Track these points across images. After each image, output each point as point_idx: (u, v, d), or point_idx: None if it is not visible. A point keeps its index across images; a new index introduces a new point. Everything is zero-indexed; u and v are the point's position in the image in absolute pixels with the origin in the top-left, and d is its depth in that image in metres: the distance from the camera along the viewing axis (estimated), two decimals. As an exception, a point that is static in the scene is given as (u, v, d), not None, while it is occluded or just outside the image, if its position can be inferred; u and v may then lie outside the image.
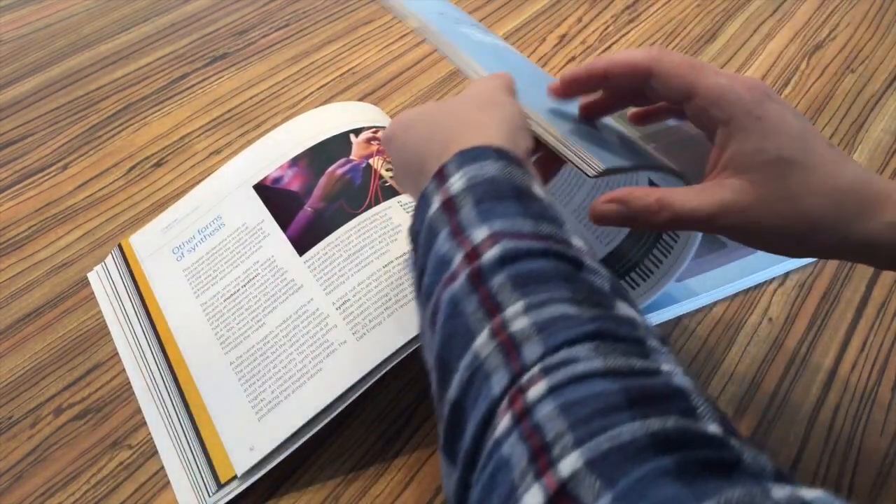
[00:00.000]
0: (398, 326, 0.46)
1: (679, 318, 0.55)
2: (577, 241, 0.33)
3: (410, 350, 0.46)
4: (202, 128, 0.77)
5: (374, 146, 0.57)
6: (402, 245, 0.49)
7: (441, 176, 0.36)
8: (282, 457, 0.46)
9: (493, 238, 0.32)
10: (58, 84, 0.85)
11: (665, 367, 0.27)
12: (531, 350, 0.28)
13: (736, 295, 0.57)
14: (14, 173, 0.72)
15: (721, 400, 0.50)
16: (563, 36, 0.90)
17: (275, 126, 0.76)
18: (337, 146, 0.58)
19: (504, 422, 0.26)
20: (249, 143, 0.74)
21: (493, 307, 0.30)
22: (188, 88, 0.83)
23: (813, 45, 0.85)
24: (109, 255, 0.61)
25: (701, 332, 0.54)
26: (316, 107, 0.79)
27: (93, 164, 0.73)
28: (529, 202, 0.34)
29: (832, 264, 0.59)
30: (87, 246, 0.64)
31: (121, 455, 0.49)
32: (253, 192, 0.58)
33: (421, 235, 0.36)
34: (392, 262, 0.49)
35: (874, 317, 0.55)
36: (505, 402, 0.27)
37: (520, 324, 0.29)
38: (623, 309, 0.30)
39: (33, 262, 0.63)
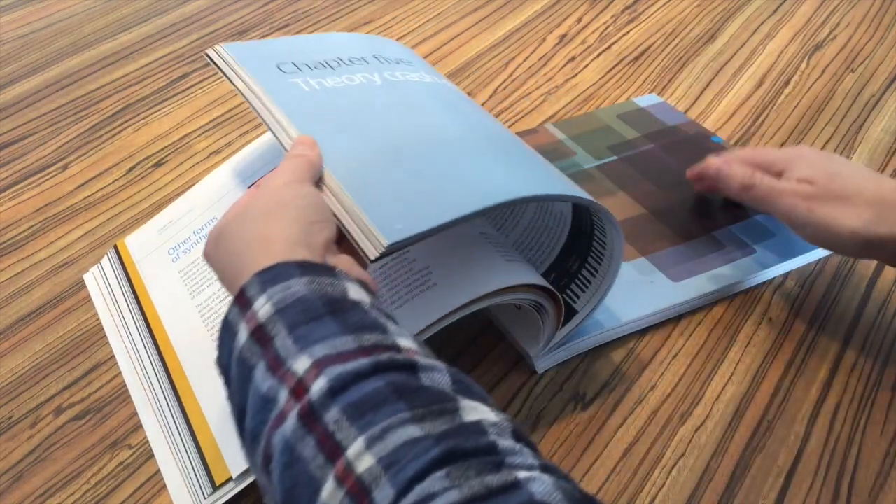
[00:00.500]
0: None
1: (679, 318, 0.55)
2: (404, 342, 0.32)
3: None
4: (202, 128, 0.77)
5: None
6: None
7: (243, 300, 0.34)
8: None
9: (317, 367, 0.30)
10: (58, 84, 0.85)
11: (522, 474, 0.26)
12: (383, 495, 0.26)
13: (736, 295, 0.57)
14: (14, 173, 0.72)
15: (721, 400, 0.50)
16: (563, 36, 0.90)
17: (275, 126, 0.76)
18: None
19: None
20: (249, 143, 0.74)
21: (333, 448, 0.28)
22: (188, 88, 0.83)
23: (813, 45, 0.85)
24: (105, 257, 0.61)
25: (701, 332, 0.54)
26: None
27: (93, 164, 0.73)
28: (346, 314, 0.32)
29: (832, 264, 0.59)
30: (87, 246, 0.64)
31: (121, 455, 0.49)
32: None
33: (232, 369, 0.34)
34: (387, 262, 0.49)
35: (874, 317, 0.55)
36: None
37: (365, 463, 0.27)
38: (468, 410, 0.29)
39: (33, 262, 0.63)
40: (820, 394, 0.50)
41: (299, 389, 0.30)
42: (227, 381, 0.35)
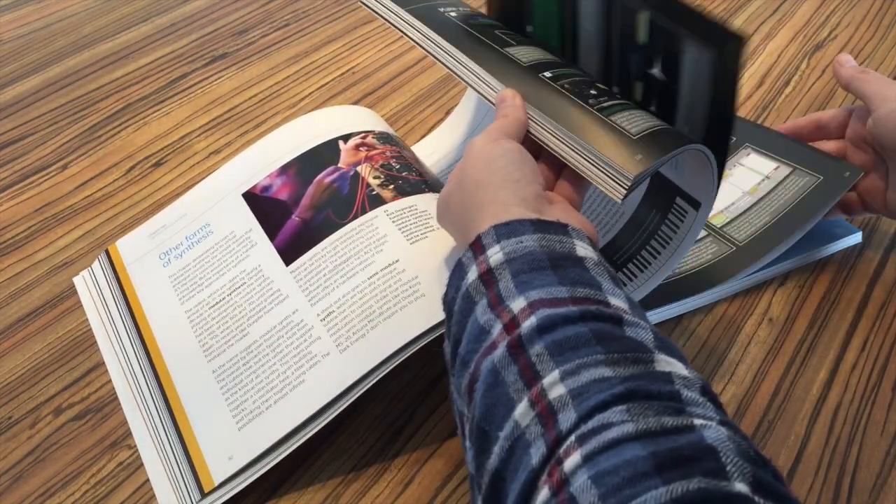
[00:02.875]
0: (381, 340, 0.46)
1: (679, 318, 0.55)
2: (615, 300, 0.34)
3: (394, 364, 0.46)
4: (202, 128, 0.77)
5: (363, 153, 0.57)
6: (387, 256, 0.49)
7: (478, 247, 0.37)
8: (263, 468, 0.45)
9: (531, 307, 0.33)
10: (58, 84, 0.85)
11: (698, 421, 0.27)
12: (566, 417, 0.29)
13: (736, 295, 0.57)
14: (14, 173, 0.72)
15: (721, 400, 0.50)
16: (563, 36, 0.90)
17: (275, 126, 0.76)
18: (325, 153, 0.57)
19: (543, 494, 0.27)
20: (249, 142, 0.74)
21: (532, 376, 0.31)
22: (188, 88, 0.83)
23: (813, 45, 0.85)
24: (97, 260, 0.60)
25: (701, 332, 0.54)
26: (315, 107, 0.79)
27: (93, 164, 0.73)
28: (566, 270, 0.35)
29: (832, 264, 0.59)
30: (86, 246, 0.64)
31: (121, 455, 0.49)
32: (242, 201, 0.57)
33: (457, 303, 0.38)
34: (377, 273, 0.48)
35: (874, 317, 0.55)
36: (544, 475, 0.28)
37: (556, 392, 0.30)
38: (662, 363, 0.31)
39: (33, 262, 0.63)
40: (820, 394, 0.50)
41: (511, 325, 0.33)
42: (449, 315, 0.39)
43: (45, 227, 0.66)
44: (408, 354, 0.46)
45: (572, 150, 0.43)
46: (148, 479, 0.47)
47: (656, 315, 0.54)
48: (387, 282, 0.48)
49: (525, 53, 0.49)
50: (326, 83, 0.83)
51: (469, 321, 0.36)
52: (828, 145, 0.60)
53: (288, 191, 0.56)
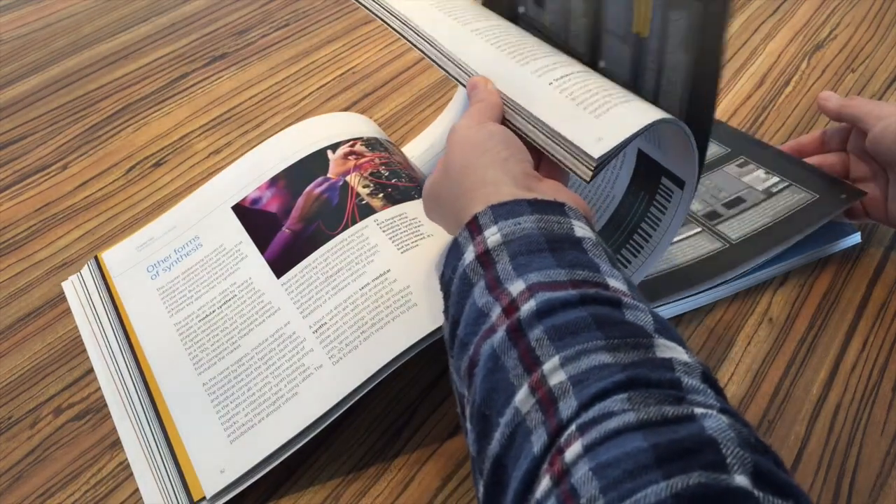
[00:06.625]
0: (374, 351, 0.46)
1: (679, 318, 0.55)
2: (614, 282, 0.34)
3: (387, 374, 0.45)
4: (202, 128, 0.77)
5: (352, 161, 0.56)
6: (378, 266, 0.49)
7: (475, 227, 0.37)
8: (253, 479, 0.45)
9: (530, 290, 0.33)
10: (58, 84, 0.85)
11: (699, 410, 0.27)
12: (567, 405, 0.29)
13: (736, 295, 0.57)
14: (14, 173, 0.72)
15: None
16: (563, 36, 0.90)
17: (275, 126, 0.76)
18: (314, 164, 0.57)
19: (544, 483, 0.27)
20: (249, 143, 0.74)
21: (531, 362, 0.31)
22: (188, 88, 0.83)
23: (813, 45, 0.85)
24: (86, 267, 0.60)
25: (701, 332, 0.54)
26: (315, 107, 0.79)
27: (93, 164, 0.73)
28: (565, 252, 0.35)
29: (832, 264, 0.59)
30: (86, 246, 0.64)
31: (121, 455, 0.49)
32: (231, 214, 0.57)
33: (454, 283, 0.37)
34: (368, 284, 0.48)
35: (874, 317, 0.55)
36: (546, 464, 0.28)
37: (557, 378, 0.30)
38: (662, 348, 0.30)
39: (33, 262, 0.63)
40: (820, 394, 0.50)
41: (511, 308, 0.33)
42: (446, 295, 0.38)
43: (45, 227, 0.66)
44: (401, 363, 0.45)
45: (540, 131, 0.42)
46: (148, 479, 0.47)
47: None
48: (378, 292, 0.48)
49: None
50: (326, 83, 0.83)
51: (467, 303, 0.35)
52: (831, 157, 0.61)
53: (278, 203, 0.56)
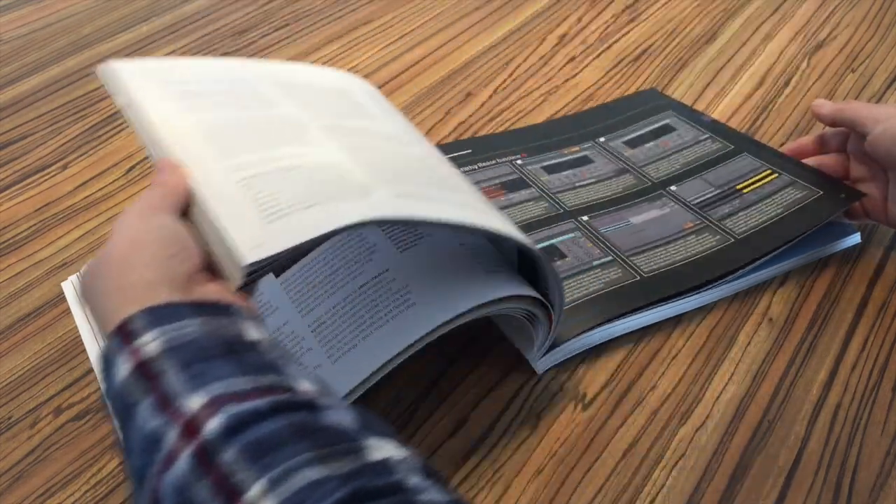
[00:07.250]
0: (373, 350, 0.46)
1: (679, 318, 0.55)
2: (302, 384, 0.31)
3: (385, 373, 0.45)
4: (202, 128, 0.77)
5: None
6: (377, 266, 0.49)
7: (125, 333, 0.32)
8: None
9: (213, 405, 0.29)
10: (58, 84, 0.85)
11: None
12: None
13: (736, 295, 0.57)
14: (14, 173, 0.72)
15: (721, 400, 0.50)
16: (563, 36, 0.90)
17: (275, 126, 0.76)
18: None
19: None
20: (249, 142, 0.74)
21: (231, 491, 0.26)
22: (188, 88, 0.83)
23: (813, 45, 0.85)
24: (85, 267, 0.60)
25: (701, 332, 0.54)
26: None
27: (93, 164, 0.73)
28: (242, 355, 0.31)
29: (832, 264, 0.59)
30: (86, 246, 0.64)
31: (120, 455, 0.49)
32: None
33: (109, 404, 0.32)
34: (367, 283, 0.48)
35: (874, 317, 0.55)
36: None
37: None
38: (373, 448, 0.28)
39: (33, 262, 0.63)
40: (820, 394, 0.50)
41: (191, 428, 0.28)
42: (112, 413, 0.33)
43: (45, 227, 0.66)
44: (399, 362, 0.45)
45: (204, 222, 0.37)
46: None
47: (655, 314, 0.54)
48: (377, 291, 0.48)
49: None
50: (326, 83, 0.82)
51: (132, 427, 0.30)
52: (830, 159, 0.62)
53: None
